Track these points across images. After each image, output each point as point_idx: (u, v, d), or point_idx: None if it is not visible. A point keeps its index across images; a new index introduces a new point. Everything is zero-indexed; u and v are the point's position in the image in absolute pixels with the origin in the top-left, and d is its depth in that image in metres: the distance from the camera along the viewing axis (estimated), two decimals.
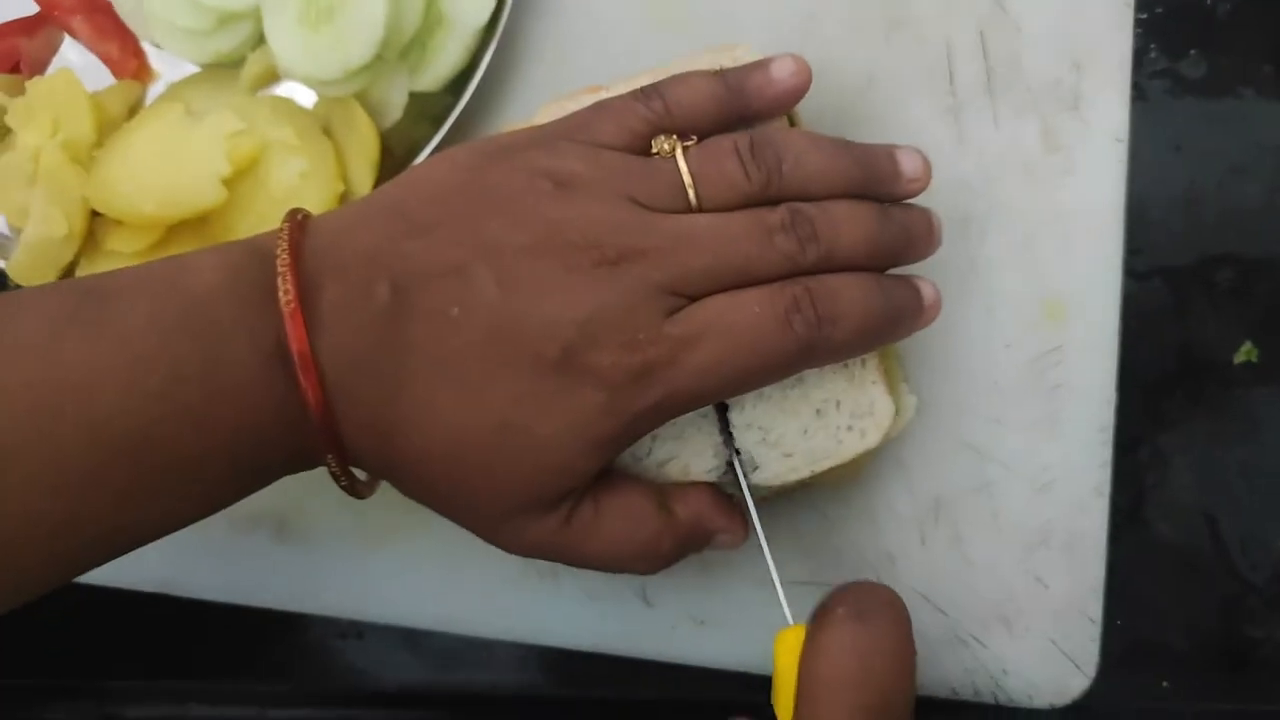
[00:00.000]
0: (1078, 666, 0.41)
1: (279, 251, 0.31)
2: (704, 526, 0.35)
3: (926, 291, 0.36)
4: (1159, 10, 0.48)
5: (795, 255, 0.33)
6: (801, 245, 0.33)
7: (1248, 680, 0.44)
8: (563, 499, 0.33)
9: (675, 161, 0.33)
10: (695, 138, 0.34)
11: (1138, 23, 0.45)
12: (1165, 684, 0.44)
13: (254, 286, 0.31)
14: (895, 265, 0.36)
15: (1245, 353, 0.45)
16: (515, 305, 0.31)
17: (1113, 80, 0.43)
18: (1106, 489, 0.41)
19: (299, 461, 0.33)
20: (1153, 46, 0.48)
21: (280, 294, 0.31)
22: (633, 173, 0.33)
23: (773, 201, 0.33)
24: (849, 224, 0.34)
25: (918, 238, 0.36)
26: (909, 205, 0.36)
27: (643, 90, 0.35)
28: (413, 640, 0.46)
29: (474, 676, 0.46)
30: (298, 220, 0.33)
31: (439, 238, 0.32)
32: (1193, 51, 0.47)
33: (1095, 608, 0.41)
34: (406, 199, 0.33)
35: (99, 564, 0.32)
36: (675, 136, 0.34)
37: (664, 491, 0.35)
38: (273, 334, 0.31)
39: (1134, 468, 0.45)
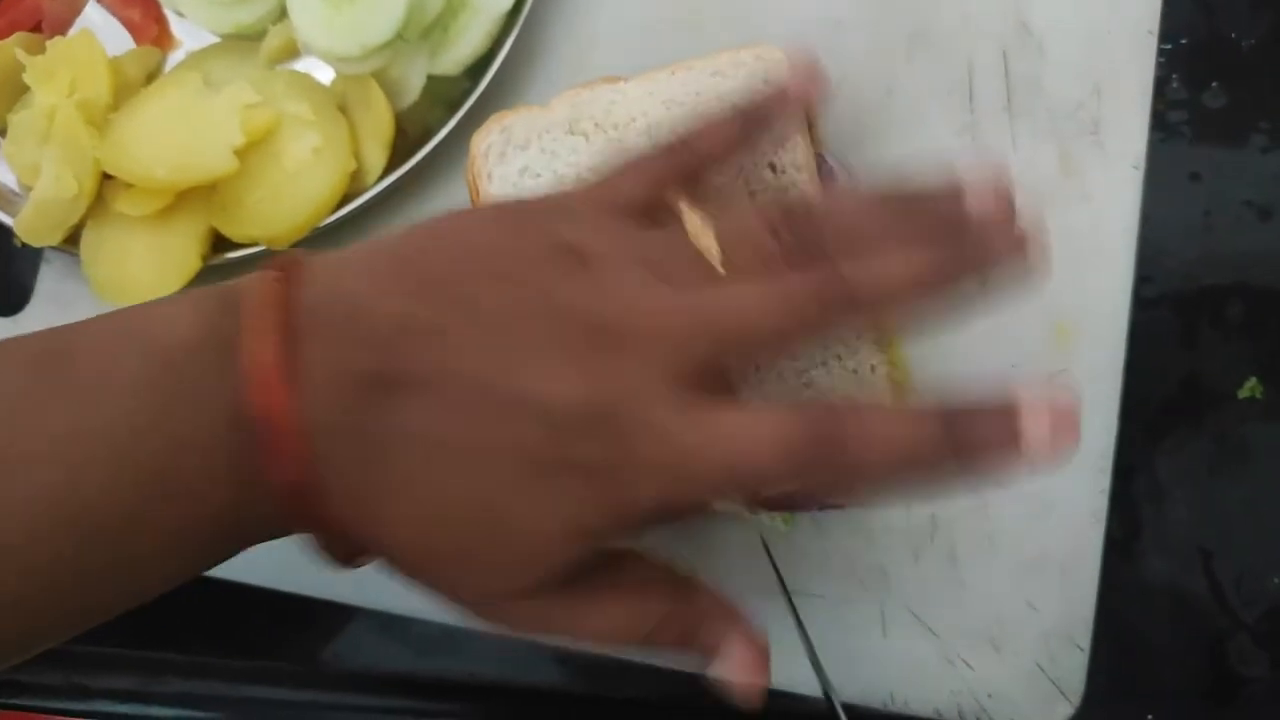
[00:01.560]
0: (1063, 694, 0.41)
1: (255, 309, 0.29)
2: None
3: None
4: (1183, 41, 0.48)
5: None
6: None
7: (1233, 718, 0.44)
8: (540, 588, 0.30)
9: (688, 221, 0.32)
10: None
11: (1161, 52, 0.45)
12: (1150, 717, 0.44)
13: (228, 345, 0.29)
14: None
15: (1250, 388, 0.45)
16: (513, 384, 0.29)
17: (1133, 108, 0.43)
18: (1103, 516, 0.41)
19: (280, 530, 0.31)
20: (1174, 77, 0.48)
21: (245, 355, 0.28)
22: (649, 243, 0.31)
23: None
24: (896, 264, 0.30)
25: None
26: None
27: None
28: (394, 625, 0.45)
29: (452, 664, 0.46)
30: (286, 267, 0.31)
31: (437, 300, 0.30)
32: (1215, 84, 0.47)
33: (1084, 635, 0.41)
34: (410, 253, 0.31)
35: (66, 638, 0.30)
36: (696, 208, 0.32)
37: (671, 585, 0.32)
38: (239, 399, 0.29)
39: (1131, 497, 0.45)
